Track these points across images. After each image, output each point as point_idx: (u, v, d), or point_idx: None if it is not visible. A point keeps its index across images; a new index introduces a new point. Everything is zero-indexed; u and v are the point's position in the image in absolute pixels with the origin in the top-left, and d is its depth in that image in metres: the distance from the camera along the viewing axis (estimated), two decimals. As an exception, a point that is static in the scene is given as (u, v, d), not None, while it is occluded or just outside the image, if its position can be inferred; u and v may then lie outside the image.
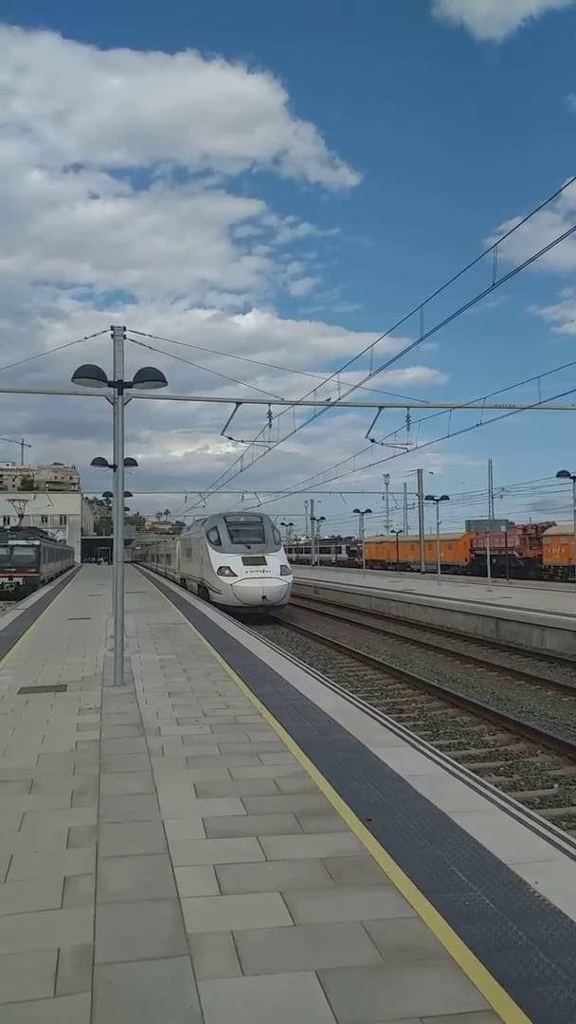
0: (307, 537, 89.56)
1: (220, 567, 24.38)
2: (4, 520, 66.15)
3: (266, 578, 23.74)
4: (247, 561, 24.33)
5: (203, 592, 27.13)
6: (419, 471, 64.18)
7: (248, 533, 26.10)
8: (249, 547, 25.07)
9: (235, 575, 23.86)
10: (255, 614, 23.37)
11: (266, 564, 24.16)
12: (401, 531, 72.00)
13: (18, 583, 36.56)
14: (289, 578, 24.73)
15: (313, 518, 73.48)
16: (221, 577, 24.15)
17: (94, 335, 11.78)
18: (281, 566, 24.76)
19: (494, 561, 41.34)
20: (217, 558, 24.90)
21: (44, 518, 76.98)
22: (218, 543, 25.62)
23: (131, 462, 16.84)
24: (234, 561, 24.37)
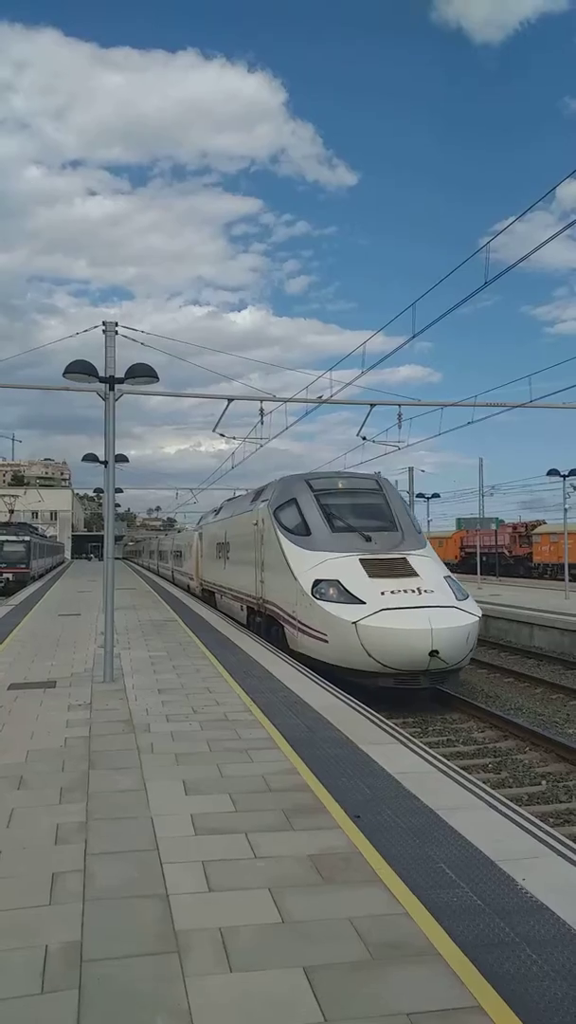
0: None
1: (317, 582, 11.95)
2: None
3: (432, 609, 11.14)
4: (375, 568, 11.92)
5: (265, 628, 14.96)
6: (410, 469, 64.12)
7: (359, 511, 13.85)
8: (368, 538, 12.81)
9: (357, 599, 11.34)
10: (402, 690, 11.29)
11: (417, 575, 11.84)
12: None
13: (8, 579, 36.43)
14: (472, 606, 12.13)
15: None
16: (323, 605, 11.57)
17: (86, 330, 11.73)
18: (446, 579, 12.42)
19: (484, 559, 41.49)
20: (304, 561, 12.69)
21: (34, 514, 76.66)
22: (302, 530, 13.47)
23: (122, 458, 16.79)
24: (347, 569, 11.98)
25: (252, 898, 3.97)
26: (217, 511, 25.81)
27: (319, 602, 11.73)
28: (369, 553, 12.39)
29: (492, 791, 5.75)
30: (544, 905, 3.87)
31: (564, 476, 29.50)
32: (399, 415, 17.74)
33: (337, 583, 11.73)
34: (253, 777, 5.98)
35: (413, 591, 11.41)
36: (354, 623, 11.01)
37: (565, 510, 30.98)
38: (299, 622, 12.44)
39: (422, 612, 11.01)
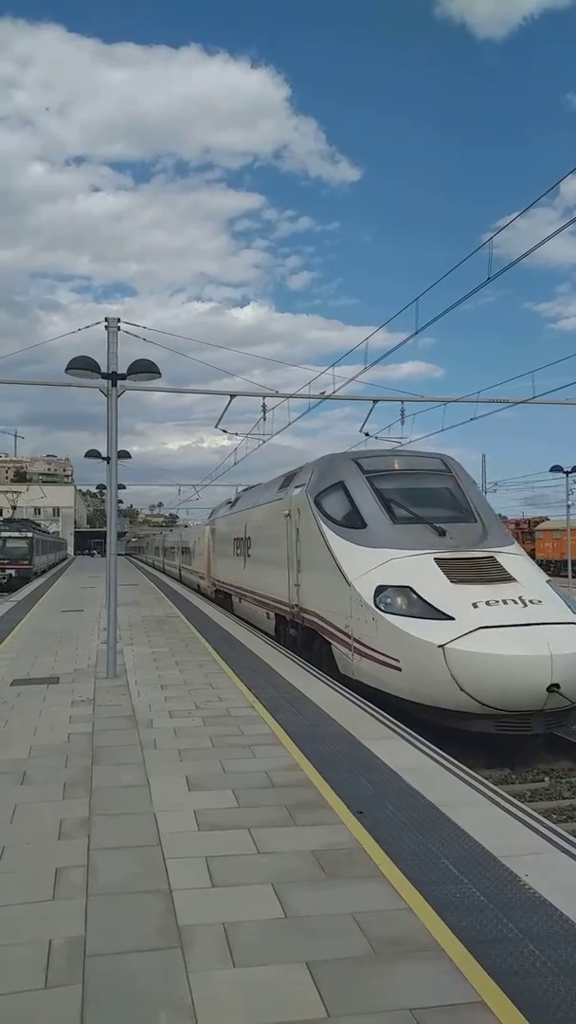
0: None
1: (381, 589, 9.42)
2: (-3, 512, 65.87)
3: (548, 628, 8.39)
4: (457, 571, 9.35)
5: (302, 643, 12.24)
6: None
7: (426, 497, 11.17)
8: (442, 531, 10.19)
9: (442, 614, 8.67)
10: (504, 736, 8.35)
11: (515, 580, 9.26)
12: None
13: (11, 575, 36.50)
14: None
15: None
16: (393, 621, 8.99)
17: (88, 326, 11.72)
18: (549, 583, 9.86)
19: (487, 555, 41.22)
20: (360, 561, 10.08)
21: (37, 510, 76.71)
22: (354, 521, 10.77)
23: (125, 454, 16.82)
24: (420, 571, 9.39)
25: (255, 893, 3.97)
26: (233, 502, 22.91)
27: (386, 616, 9.00)
28: (446, 550, 9.68)
29: (495, 787, 5.74)
30: (547, 901, 3.87)
31: (567, 472, 29.46)
32: (402, 411, 17.66)
33: (408, 591, 9.06)
34: (256, 773, 5.98)
35: (515, 602, 8.69)
36: (441, 647, 8.18)
37: (568, 506, 30.97)
38: (356, 641, 9.58)
39: (536, 632, 8.21)
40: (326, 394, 16.82)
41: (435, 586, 9.05)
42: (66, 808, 5.25)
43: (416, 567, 9.43)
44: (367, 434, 21.07)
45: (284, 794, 5.49)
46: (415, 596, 9.01)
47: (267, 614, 15.31)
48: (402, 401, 17.32)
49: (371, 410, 17.13)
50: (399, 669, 8.81)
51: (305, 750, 6.56)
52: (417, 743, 6.87)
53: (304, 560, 12.16)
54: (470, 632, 8.24)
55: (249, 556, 17.55)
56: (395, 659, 8.87)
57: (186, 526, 54.12)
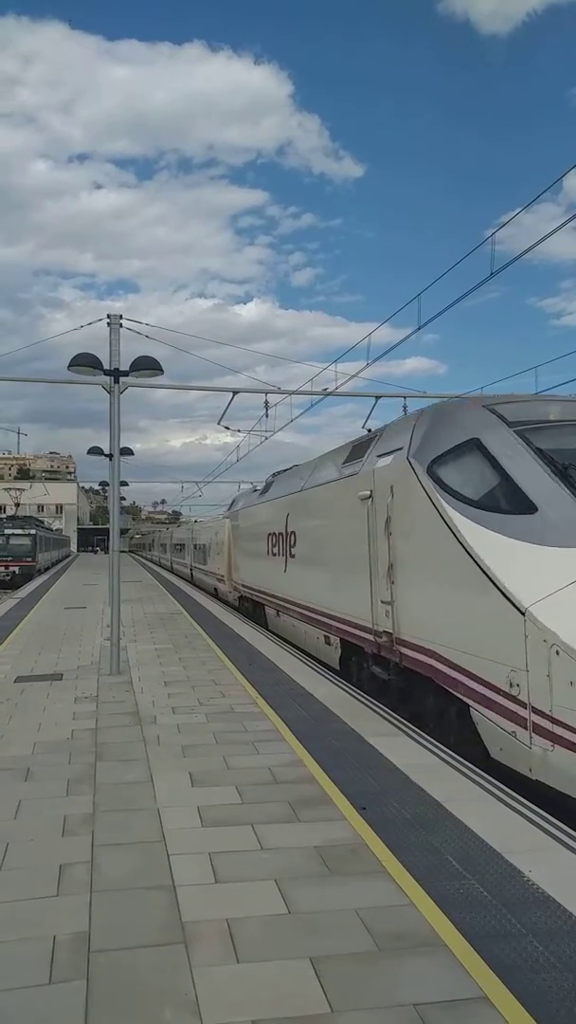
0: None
1: None
2: (0, 509, 65.98)
3: None
4: None
5: (399, 693, 8.43)
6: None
7: None
8: None
9: None
10: None
11: None
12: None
13: (14, 572, 36.55)
14: None
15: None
16: None
17: (90, 323, 11.72)
18: None
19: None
20: (530, 570, 6.06)
21: (40, 507, 76.85)
22: (509, 501, 6.78)
23: (127, 451, 16.77)
24: None
25: (259, 889, 3.98)
26: (263, 490, 18.74)
27: None
28: None
29: (499, 783, 5.74)
30: (551, 897, 3.87)
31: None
32: (404, 407, 17.62)
33: None
34: (259, 769, 5.98)
35: None
36: None
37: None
38: (537, 712, 5.65)
39: None
40: (328, 390, 16.81)
41: None
42: (70, 804, 5.26)
43: None
44: (369, 430, 21.02)
45: (287, 790, 5.49)
46: None
47: (325, 638, 11.34)
48: (404, 397, 17.28)
49: (373, 406, 17.07)
50: None
51: (308, 746, 6.56)
52: (421, 740, 6.87)
53: (406, 563, 8.18)
54: None
55: (293, 555, 13.76)
56: None
57: (195, 521, 51.54)
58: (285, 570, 14.31)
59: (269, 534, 16.15)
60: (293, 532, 13.86)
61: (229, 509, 25.48)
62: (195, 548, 33.50)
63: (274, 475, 18.96)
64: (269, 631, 15.07)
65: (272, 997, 3.07)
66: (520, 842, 4.55)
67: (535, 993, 3.06)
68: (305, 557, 12.87)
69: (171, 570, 46.00)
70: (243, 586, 19.63)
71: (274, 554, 15.55)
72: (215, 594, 25.18)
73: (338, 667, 10.79)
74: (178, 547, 43.15)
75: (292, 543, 13.87)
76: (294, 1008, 2.99)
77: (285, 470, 17.90)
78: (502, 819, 4.94)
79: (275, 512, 15.71)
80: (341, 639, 10.56)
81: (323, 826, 4.81)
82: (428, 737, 6.96)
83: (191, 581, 33.67)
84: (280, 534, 14.93)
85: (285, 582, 14.30)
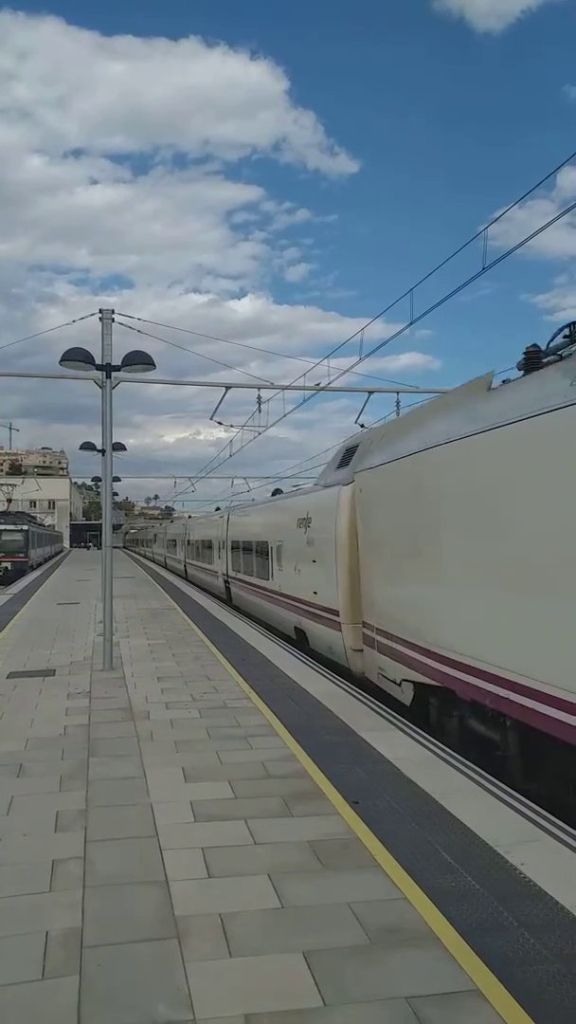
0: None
1: None
2: (-8, 505, 65.69)
3: None
4: None
5: None
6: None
7: None
8: None
9: None
10: None
11: None
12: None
13: (6, 568, 36.43)
14: None
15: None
16: None
17: (83, 318, 11.68)
18: None
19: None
20: None
21: (33, 503, 76.54)
22: None
23: (120, 447, 16.73)
24: None
25: (252, 884, 3.98)
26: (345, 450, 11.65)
27: None
28: None
29: (490, 777, 5.77)
30: (542, 890, 3.88)
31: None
32: (397, 402, 17.64)
33: None
34: (252, 764, 5.99)
35: None
36: None
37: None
38: None
39: None
40: (320, 386, 16.79)
41: None
42: (63, 800, 5.25)
43: None
44: (362, 425, 21.01)
45: (280, 785, 5.49)
46: None
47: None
48: (397, 392, 17.31)
49: (366, 401, 17.03)
50: None
51: (302, 741, 6.57)
52: (414, 734, 6.89)
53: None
54: None
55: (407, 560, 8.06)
56: None
57: (189, 516, 48.82)
58: (400, 576, 8.22)
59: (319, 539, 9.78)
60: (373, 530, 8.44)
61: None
62: (200, 546, 25.51)
63: (339, 455, 11.49)
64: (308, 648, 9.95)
65: (265, 991, 3.07)
66: (512, 835, 4.57)
67: (527, 985, 3.07)
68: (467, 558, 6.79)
69: (165, 565, 41.95)
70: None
71: (314, 561, 9.88)
72: (228, 598, 18.82)
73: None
74: (185, 544, 31.85)
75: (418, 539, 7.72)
76: (287, 1002, 3.00)
77: (349, 447, 10.80)
78: (494, 813, 4.96)
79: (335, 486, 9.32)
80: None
81: (316, 820, 4.82)
82: (420, 731, 6.98)
83: (185, 576, 28.86)
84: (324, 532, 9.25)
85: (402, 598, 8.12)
